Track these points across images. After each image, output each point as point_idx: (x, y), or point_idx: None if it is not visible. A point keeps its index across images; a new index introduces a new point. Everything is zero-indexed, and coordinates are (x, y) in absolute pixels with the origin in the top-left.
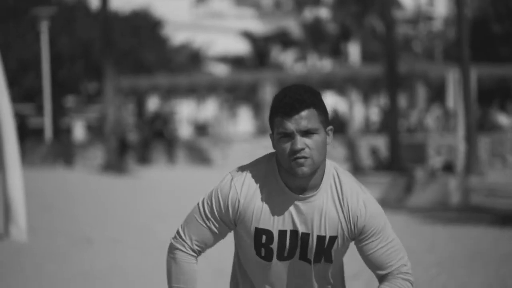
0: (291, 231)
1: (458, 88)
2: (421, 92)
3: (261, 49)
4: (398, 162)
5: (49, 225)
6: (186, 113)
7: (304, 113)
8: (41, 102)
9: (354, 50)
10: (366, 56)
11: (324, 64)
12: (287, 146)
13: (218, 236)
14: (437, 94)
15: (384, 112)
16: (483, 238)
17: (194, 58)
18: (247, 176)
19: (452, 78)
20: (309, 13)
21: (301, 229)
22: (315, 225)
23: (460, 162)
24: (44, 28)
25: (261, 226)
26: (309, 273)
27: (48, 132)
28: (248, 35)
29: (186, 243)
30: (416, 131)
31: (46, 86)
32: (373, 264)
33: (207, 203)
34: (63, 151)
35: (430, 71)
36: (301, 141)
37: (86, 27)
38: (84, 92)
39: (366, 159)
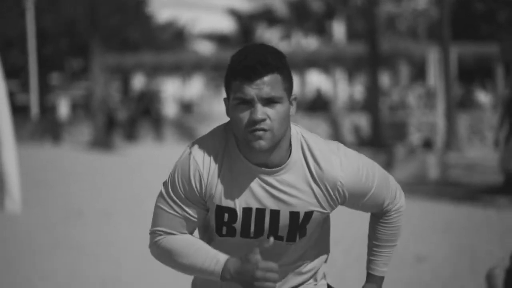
0: (257, 209)
1: (439, 67)
2: (404, 71)
3: (246, 27)
4: (380, 139)
5: (41, 198)
6: (172, 91)
7: (267, 78)
8: (25, 79)
9: (339, 29)
10: (352, 35)
11: (309, 42)
12: (245, 115)
13: (194, 222)
14: (420, 72)
15: (367, 90)
16: (455, 210)
17: (179, 35)
18: (206, 149)
19: (433, 56)
20: None
21: (269, 206)
22: (286, 201)
23: (439, 138)
24: (29, 5)
25: (224, 203)
26: (283, 251)
27: (35, 109)
28: (233, 13)
29: (159, 233)
30: (398, 109)
31: (32, 64)
32: (364, 210)
33: (171, 186)
34: (50, 128)
35: (413, 49)
36: (261, 111)
37: (71, 5)
38: (68, 69)
39: (349, 136)
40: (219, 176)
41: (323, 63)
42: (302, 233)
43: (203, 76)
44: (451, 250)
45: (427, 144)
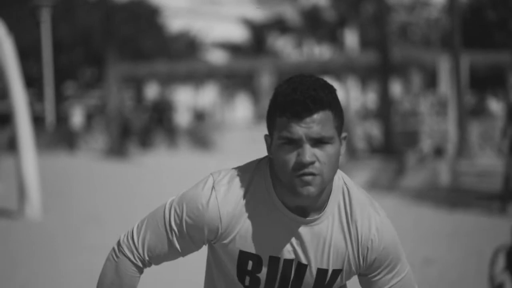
0: (285, 260)
1: (450, 75)
2: (416, 79)
3: (259, 35)
4: (391, 146)
5: (60, 205)
6: (185, 99)
7: (318, 115)
8: (40, 89)
9: (352, 37)
10: (365, 43)
11: (321, 51)
12: (291, 157)
13: (177, 254)
14: (432, 80)
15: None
16: (464, 216)
17: (191, 45)
18: (233, 186)
19: (444, 64)
20: (306, 0)
21: (298, 258)
22: (316, 255)
23: (450, 146)
24: (45, 17)
25: (248, 249)
26: None
27: (50, 118)
28: (246, 22)
29: (137, 250)
30: (410, 117)
31: (47, 73)
32: None
33: (176, 210)
34: (66, 137)
35: (425, 57)
36: (310, 152)
37: (85, 15)
38: (82, 78)
39: (360, 144)
40: (244, 218)
41: (336, 71)
42: None
43: (215, 85)
44: (459, 254)
45: (438, 152)
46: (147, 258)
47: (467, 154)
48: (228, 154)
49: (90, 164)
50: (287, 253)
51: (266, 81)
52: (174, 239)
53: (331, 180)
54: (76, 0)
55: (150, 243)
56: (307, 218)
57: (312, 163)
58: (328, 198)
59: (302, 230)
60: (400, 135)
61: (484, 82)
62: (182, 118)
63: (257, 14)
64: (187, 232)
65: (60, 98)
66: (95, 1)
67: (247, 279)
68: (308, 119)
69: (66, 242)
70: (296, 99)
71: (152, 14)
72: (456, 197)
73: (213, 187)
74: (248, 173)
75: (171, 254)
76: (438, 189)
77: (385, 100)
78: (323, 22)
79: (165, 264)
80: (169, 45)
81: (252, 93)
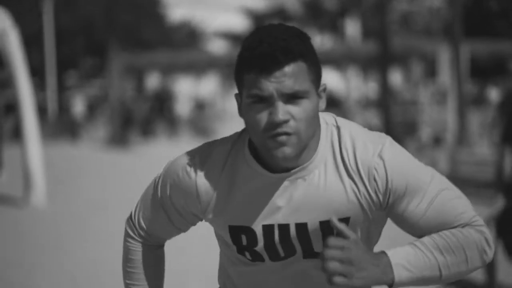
0: (280, 225)
1: (450, 64)
2: (417, 68)
3: (260, 25)
4: (391, 135)
5: (64, 194)
6: (186, 89)
7: (289, 68)
8: (41, 78)
9: (354, 27)
10: (367, 33)
11: (322, 41)
12: (262, 116)
13: (173, 228)
14: (433, 69)
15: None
16: None
17: (192, 34)
18: (211, 156)
19: (445, 54)
20: None
21: (293, 219)
22: (314, 209)
23: (450, 135)
24: (48, 8)
25: (236, 223)
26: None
27: (53, 108)
28: (247, 12)
29: (137, 229)
30: (409, 106)
31: (50, 63)
32: (422, 233)
33: (160, 182)
34: (68, 127)
35: (425, 47)
36: (283, 110)
37: (87, 4)
38: (84, 68)
39: None
40: (224, 188)
41: (337, 61)
42: None
43: (216, 75)
44: None
45: (437, 141)
46: (147, 235)
47: (466, 143)
48: None
49: (92, 154)
50: (280, 217)
51: None
52: (163, 212)
53: (310, 137)
54: None
55: (146, 220)
56: (290, 172)
57: (286, 121)
58: (316, 149)
59: (290, 186)
60: (399, 124)
61: (485, 71)
62: (183, 108)
63: (258, 3)
64: (172, 204)
65: (61, 87)
66: None
67: (247, 255)
68: (278, 73)
69: (71, 229)
70: (264, 51)
71: (153, 4)
72: (454, 185)
73: (189, 157)
74: (227, 142)
75: (169, 228)
76: None
77: (385, 90)
78: (324, 12)
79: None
80: (170, 35)
81: None
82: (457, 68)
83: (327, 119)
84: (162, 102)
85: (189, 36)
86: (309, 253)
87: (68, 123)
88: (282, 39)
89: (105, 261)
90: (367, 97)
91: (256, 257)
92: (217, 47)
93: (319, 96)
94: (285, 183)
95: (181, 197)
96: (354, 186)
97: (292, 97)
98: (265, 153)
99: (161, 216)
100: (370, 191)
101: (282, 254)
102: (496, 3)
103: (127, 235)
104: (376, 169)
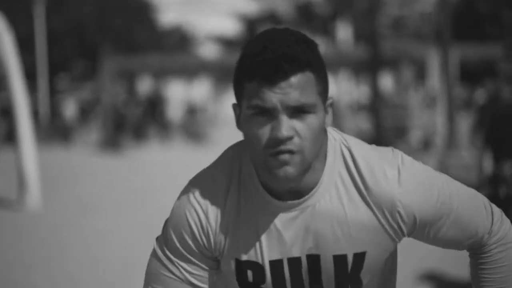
0: (289, 259)
1: (440, 68)
2: (408, 72)
3: (252, 29)
4: (381, 139)
5: (58, 196)
6: (177, 93)
7: (295, 78)
8: (33, 81)
9: (345, 30)
10: (359, 37)
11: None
12: (264, 131)
13: (200, 286)
14: (423, 73)
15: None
16: None
17: (184, 39)
18: (210, 187)
19: (434, 57)
20: None
21: (303, 251)
22: (325, 240)
23: (439, 139)
24: (39, 12)
25: (243, 257)
26: None
27: (45, 111)
28: (239, 15)
29: None
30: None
31: (42, 67)
32: (446, 245)
33: (165, 240)
34: (60, 130)
35: (415, 51)
36: (288, 125)
37: (78, 7)
38: (75, 71)
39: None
40: (234, 221)
41: (328, 64)
42: (355, 284)
43: (208, 79)
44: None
45: (426, 144)
46: None
47: (455, 147)
48: (221, 148)
49: (85, 157)
50: (289, 249)
51: None
52: (183, 271)
53: (314, 157)
54: None
55: None
56: (297, 201)
57: (290, 138)
58: (323, 169)
59: (299, 216)
60: (390, 128)
61: (475, 75)
62: (175, 112)
63: (250, 7)
64: (188, 254)
65: (52, 91)
66: None
67: None
68: (283, 84)
69: (67, 230)
70: (267, 59)
71: (145, 8)
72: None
73: (189, 191)
74: (223, 165)
75: None
76: None
77: (375, 94)
78: (316, 16)
79: None
80: (162, 39)
81: None
82: (446, 72)
83: (333, 134)
84: (154, 106)
85: (180, 40)
86: None
87: (60, 127)
88: (288, 45)
89: (102, 260)
90: (359, 101)
91: None
92: (209, 51)
93: (326, 111)
94: (294, 212)
95: (193, 238)
96: (372, 215)
97: (297, 111)
98: (265, 172)
99: (177, 273)
100: (392, 222)
101: None
102: (486, 7)
103: None
104: (400, 201)
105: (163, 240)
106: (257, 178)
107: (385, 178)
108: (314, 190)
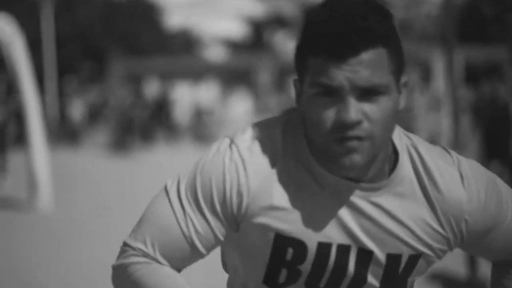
0: (339, 246)
1: (444, 69)
2: (413, 75)
3: (259, 31)
4: None
5: (69, 198)
6: (184, 96)
7: (367, 55)
8: (40, 83)
9: None
10: None
11: None
12: (329, 113)
13: (196, 252)
14: (428, 75)
15: None
16: None
17: (190, 41)
18: (259, 142)
19: (439, 59)
20: None
21: (357, 243)
22: (383, 236)
23: (444, 140)
24: (47, 15)
25: (287, 232)
26: None
27: (53, 113)
28: (245, 18)
29: (141, 249)
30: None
31: (50, 69)
32: (487, 255)
33: (189, 189)
34: (69, 132)
35: (422, 53)
36: (356, 108)
37: (86, 10)
38: (82, 73)
39: None
40: (277, 189)
41: None
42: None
43: (215, 81)
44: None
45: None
46: (160, 258)
47: (460, 148)
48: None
49: (93, 160)
50: (341, 236)
51: (266, 77)
52: (190, 225)
53: (385, 145)
54: None
55: (158, 241)
56: (367, 185)
57: (359, 122)
58: (389, 162)
59: (360, 203)
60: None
61: (480, 77)
62: (182, 114)
63: (256, 9)
64: (212, 211)
65: (60, 93)
66: None
67: (283, 273)
68: (353, 60)
69: (79, 231)
70: (336, 31)
71: (151, 10)
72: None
73: (231, 143)
74: (276, 128)
75: (188, 252)
76: None
77: None
78: None
79: None
80: (168, 41)
81: (252, 88)
82: (451, 74)
83: (397, 130)
84: (161, 109)
85: (186, 43)
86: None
87: (69, 129)
88: (360, 15)
89: (112, 261)
90: None
91: (291, 279)
92: (215, 53)
93: (399, 91)
94: (356, 198)
95: (223, 196)
96: (435, 219)
97: (367, 92)
98: (327, 158)
99: (184, 233)
100: (456, 229)
101: (324, 283)
102: (491, 9)
103: (129, 262)
104: (467, 207)
105: (185, 181)
106: (310, 155)
107: (452, 181)
108: (386, 181)
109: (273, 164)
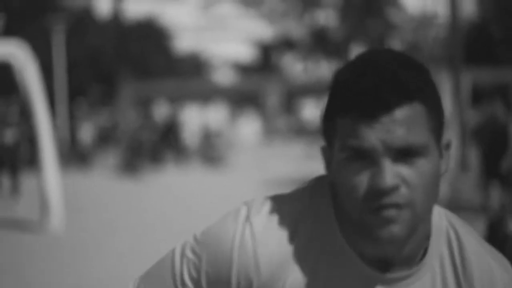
0: None
1: (451, 92)
2: None
3: (267, 54)
4: None
5: (80, 220)
6: (193, 118)
7: (402, 112)
8: (51, 107)
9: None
10: None
11: (329, 68)
12: (362, 179)
13: None
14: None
15: None
16: None
17: (199, 65)
18: (277, 218)
19: (446, 82)
20: (313, 19)
21: None
22: None
23: (452, 162)
24: (59, 40)
25: None
26: None
27: (64, 136)
28: (254, 41)
29: None
30: None
31: (61, 94)
32: None
33: (192, 256)
34: (79, 155)
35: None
36: (392, 172)
37: (97, 35)
38: (92, 96)
39: None
40: (293, 268)
41: None
42: None
43: (224, 104)
44: None
45: None
46: None
47: (468, 170)
48: (238, 172)
49: (103, 182)
50: None
51: (274, 100)
52: None
53: (427, 213)
54: (88, 21)
55: None
56: (392, 275)
57: (396, 188)
58: (425, 243)
59: None
60: None
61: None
62: (191, 136)
63: (265, 32)
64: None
65: (71, 116)
66: (106, 21)
67: None
68: (385, 118)
69: (91, 252)
70: (367, 87)
71: (161, 35)
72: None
73: (247, 218)
74: (298, 201)
75: None
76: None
77: None
78: (330, 40)
79: None
80: (177, 64)
81: (261, 110)
82: (458, 96)
83: (438, 208)
84: (170, 131)
85: (195, 66)
86: None
87: (79, 152)
88: (392, 70)
89: (124, 281)
90: None
91: None
92: (224, 76)
93: (440, 154)
94: (380, 285)
95: (228, 281)
96: None
97: (404, 154)
98: (362, 230)
99: None
100: None
101: None
102: (499, 30)
103: None
104: None
105: (193, 248)
106: (340, 234)
107: (489, 268)
108: (414, 270)
109: (290, 243)
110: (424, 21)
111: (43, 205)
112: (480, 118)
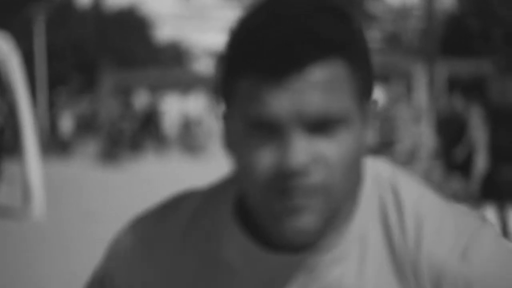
0: None
1: (426, 82)
2: (397, 86)
3: None
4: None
5: (61, 206)
6: (173, 107)
7: (317, 70)
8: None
9: None
10: None
11: None
12: (265, 155)
13: None
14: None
15: None
16: None
17: (180, 54)
18: (167, 216)
19: (421, 72)
20: None
21: None
22: None
23: (425, 151)
24: (39, 30)
25: None
26: None
27: (44, 125)
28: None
29: None
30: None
31: (41, 83)
32: None
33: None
34: (59, 143)
35: (407, 65)
36: (304, 148)
37: (78, 25)
38: (72, 85)
39: None
40: (194, 271)
41: None
42: None
43: (204, 93)
44: None
45: (412, 156)
46: None
47: (440, 159)
48: (218, 161)
49: (83, 170)
50: None
51: None
52: None
53: (347, 197)
54: (69, 10)
55: None
56: (304, 254)
57: (308, 168)
58: (352, 213)
59: (300, 279)
60: (377, 141)
61: (466, 90)
62: (171, 125)
63: None
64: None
65: (50, 104)
66: (87, 10)
67: None
68: (297, 79)
69: (72, 238)
70: (274, 38)
71: (141, 24)
72: None
73: (124, 233)
74: (197, 195)
75: None
76: None
77: None
78: None
79: None
80: (158, 54)
81: None
82: (432, 86)
83: (380, 168)
84: (151, 120)
85: (176, 55)
86: None
87: (59, 140)
88: (306, 16)
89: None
90: None
91: None
92: (205, 65)
93: (365, 120)
94: (293, 271)
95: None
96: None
97: (319, 125)
98: (265, 220)
99: None
100: None
101: None
102: (477, 22)
103: None
104: (453, 279)
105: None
106: (232, 215)
107: (438, 238)
108: (331, 245)
109: (181, 242)
110: (403, 12)
111: (25, 192)
112: (441, 110)
